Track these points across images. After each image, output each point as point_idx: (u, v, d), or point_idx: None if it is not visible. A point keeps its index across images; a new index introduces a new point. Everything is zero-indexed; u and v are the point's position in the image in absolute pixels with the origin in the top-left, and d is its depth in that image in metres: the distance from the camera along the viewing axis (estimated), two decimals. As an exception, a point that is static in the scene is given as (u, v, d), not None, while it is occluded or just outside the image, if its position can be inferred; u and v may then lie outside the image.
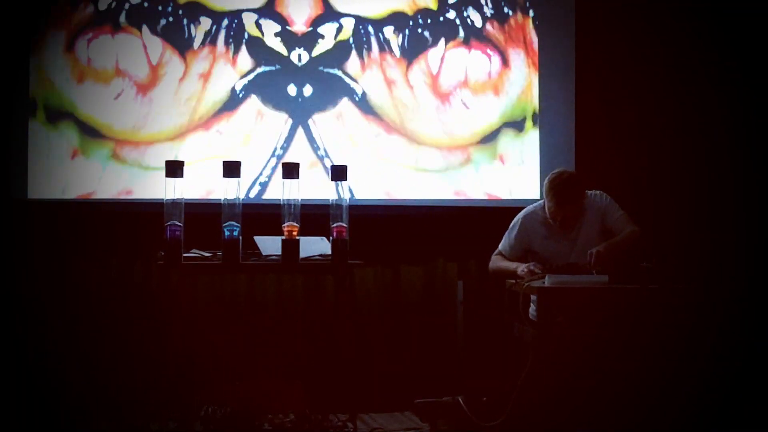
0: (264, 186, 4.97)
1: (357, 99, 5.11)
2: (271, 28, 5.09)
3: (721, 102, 5.27)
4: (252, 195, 4.89)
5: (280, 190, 3.87)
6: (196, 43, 5.03)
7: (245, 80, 5.04)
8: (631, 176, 5.17)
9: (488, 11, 5.22)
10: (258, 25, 5.08)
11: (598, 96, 5.26)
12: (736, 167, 5.25)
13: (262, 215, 4.05)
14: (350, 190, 4.74)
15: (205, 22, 5.04)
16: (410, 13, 5.17)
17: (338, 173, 3.92)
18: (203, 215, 4.00)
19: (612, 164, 5.16)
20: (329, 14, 5.11)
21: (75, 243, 4.83)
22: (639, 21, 5.28)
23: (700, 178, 5.27)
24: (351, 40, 5.12)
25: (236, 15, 5.06)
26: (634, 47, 5.27)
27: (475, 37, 5.21)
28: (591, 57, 5.26)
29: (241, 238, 3.80)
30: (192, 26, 5.03)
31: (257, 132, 5.03)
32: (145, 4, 5.00)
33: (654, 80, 5.30)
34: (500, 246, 4.41)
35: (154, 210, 4.00)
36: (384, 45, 5.15)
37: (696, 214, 5.19)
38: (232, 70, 5.04)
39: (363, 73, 5.11)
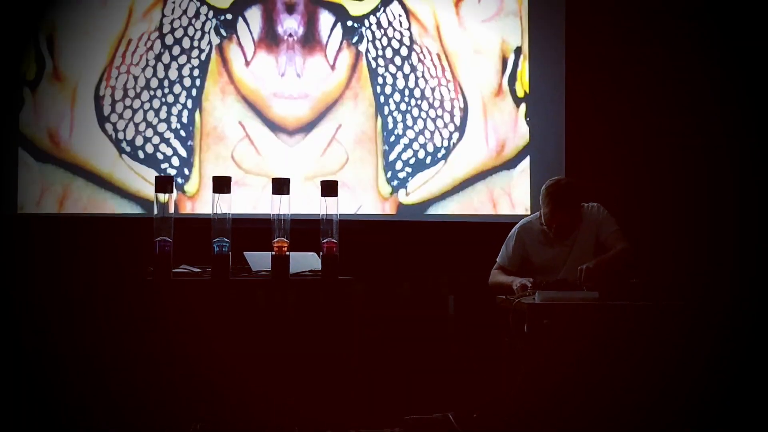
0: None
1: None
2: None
3: (716, 109, 5.28)
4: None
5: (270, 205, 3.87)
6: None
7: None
8: (622, 187, 5.18)
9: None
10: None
11: (589, 104, 5.27)
12: (731, 179, 5.26)
13: (252, 230, 4.05)
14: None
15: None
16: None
17: (328, 189, 3.91)
18: (194, 230, 4.00)
19: (602, 176, 5.18)
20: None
21: (64, 258, 4.82)
22: (630, 25, 5.30)
23: (692, 190, 5.27)
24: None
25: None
26: (625, 51, 5.30)
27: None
28: (581, 63, 5.28)
29: (230, 253, 3.79)
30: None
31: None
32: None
33: (647, 86, 5.31)
34: (498, 258, 4.42)
35: (145, 225, 3.99)
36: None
37: (687, 227, 5.20)
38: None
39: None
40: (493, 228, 5.02)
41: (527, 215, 4.76)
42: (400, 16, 5.22)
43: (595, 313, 3.82)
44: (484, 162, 5.23)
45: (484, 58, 5.26)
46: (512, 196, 5.24)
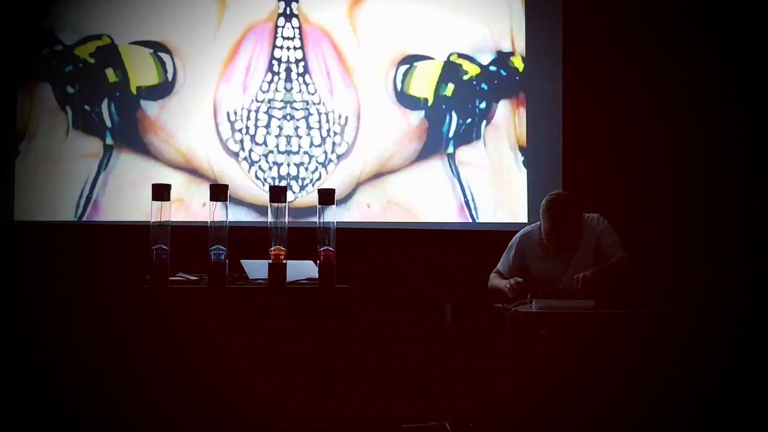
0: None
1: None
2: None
3: (716, 110, 5.28)
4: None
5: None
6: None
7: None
8: (620, 188, 5.19)
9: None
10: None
11: (587, 104, 5.28)
12: (732, 180, 5.25)
13: (249, 238, 4.04)
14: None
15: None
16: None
17: (326, 197, 3.91)
18: (190, 238, 3.99)
19: (600, 176, 5.19)
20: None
21: (62, 265, 4.82)
22: (628, 25, 5.31)
23: (692, 191, 5.27)
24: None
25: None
26: (623, 52, 5.31)
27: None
28: (579, 63, 5.29)
29: (227, 261, 3.78)
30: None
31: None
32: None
33: (645, 87, 5.32)
34: (499, 265, 4.41)
35: (142, 233, 3.98)
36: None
37: (687, 228, 5.19)
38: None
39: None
40: (490, 236, 5.03)
41: (528, 223, 4.77)
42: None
43: (591, 322, 3.82)
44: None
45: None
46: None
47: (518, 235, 4.39)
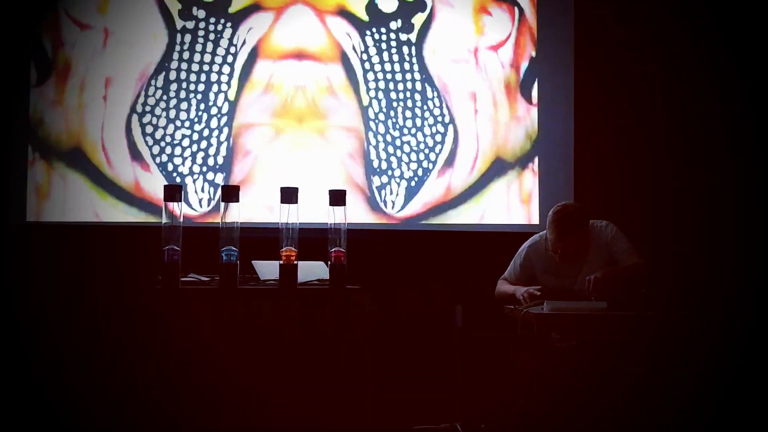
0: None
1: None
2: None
3: (725, 114, 5.26)
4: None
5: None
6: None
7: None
8: (632, 192, 5.17)
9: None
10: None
11: (598, 110, 5.27)
12: (739, 184, 5.23)
13: (260, 239, 4.04)
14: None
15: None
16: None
17: (336, 198, 3.91)
18: (202, 239, 4.00)
19: (610, 181, 5.18)
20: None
21: (72, 265, 4.83)
22: (638, 32, 5.30)
23: (702, 194, 5.25)
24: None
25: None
26: (633, 58, 5.30)
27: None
28: (590, 70, 5.28)
29: (239, 262, 3.79)
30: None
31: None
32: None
33: (652, 112, 5.31)
34: (506, 272, 4.39)
35: (153, 233, 3.99)
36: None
37: (693, 242, 5.18)
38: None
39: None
40: (501, 238, 5.01)
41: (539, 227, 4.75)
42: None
43: (603, 324, 3.81)
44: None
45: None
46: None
47: (526, 244, 4.34)
